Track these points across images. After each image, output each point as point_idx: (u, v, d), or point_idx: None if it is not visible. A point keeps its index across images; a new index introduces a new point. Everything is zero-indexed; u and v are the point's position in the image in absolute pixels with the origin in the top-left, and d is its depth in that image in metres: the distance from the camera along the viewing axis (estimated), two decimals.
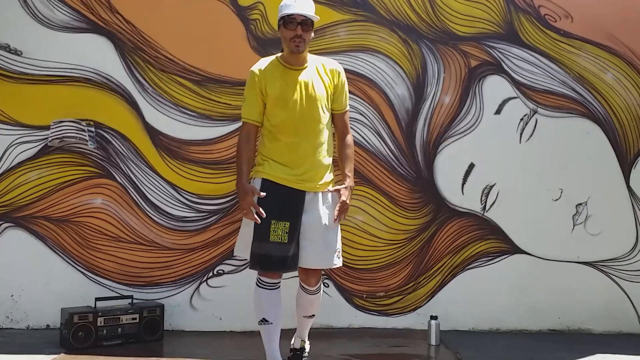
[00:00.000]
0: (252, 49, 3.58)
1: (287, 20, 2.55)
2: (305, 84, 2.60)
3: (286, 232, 2.50)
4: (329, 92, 2.66)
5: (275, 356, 2.59)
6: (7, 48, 3.55)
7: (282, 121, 2.60)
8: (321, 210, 2.60)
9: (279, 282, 2.62)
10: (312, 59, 2.70)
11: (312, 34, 2.62)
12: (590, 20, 3.69)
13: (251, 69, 2.69)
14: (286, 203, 2.56)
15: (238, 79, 3.57)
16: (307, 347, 2.92)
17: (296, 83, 2.59)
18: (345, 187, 2.67)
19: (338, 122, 2.76)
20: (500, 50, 3.67)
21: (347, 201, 2.65)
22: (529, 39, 3.68)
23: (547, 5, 3.68)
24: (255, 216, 2.53)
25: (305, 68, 2.65)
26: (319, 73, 2.65)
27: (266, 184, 2.59)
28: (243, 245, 2.64)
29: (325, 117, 2.65)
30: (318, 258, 2.59)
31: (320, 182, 2.64)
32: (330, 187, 2.69)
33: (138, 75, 3.57)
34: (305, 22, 2.55)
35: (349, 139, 2.78)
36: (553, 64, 3.68)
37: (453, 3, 3.66)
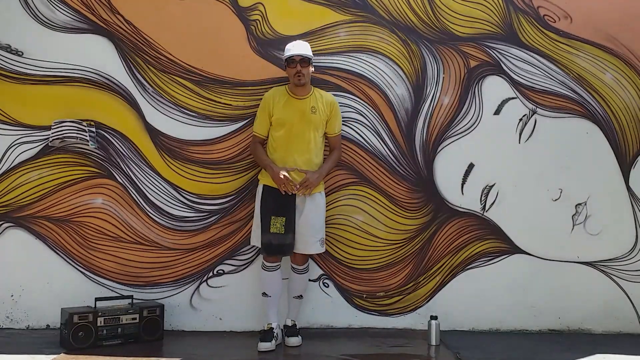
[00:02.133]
0: (252, 50, 3.60)
1: (289, 61, 3.27)
2: (302, 111, 3.30)
3: (283, 225, 3.22)
4: (322, 120, 3.33)
5: (271, 319, 3.30)
6: (8, 48, 3.57)
7: (279, 137, 3.30)
8: (308, 210, 3.27)
9: (279, 264, 3.32)
10: (314, 92, 3.37)
11: (312, 69, 3.32)
12: (589, 21, 3.70)
13: (265, 94, 3.39)
14: (282, 202, 3.23)
15: (238, 80, 3.59)
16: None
17: (295, 109, 3.30)
18: (314, 172, 3.28)
19: (331, 142, 3.45)
20: (500, 51, 3.68)
21: (311, 179, 3.23)
22: (528, 40, 3.69)
23: (547, 5, 3.70)
24: (289, 185, 3.20)
25: (306, 98, 3.32)
26: (317, 104, 3.33)
27: (266, 189, 3.30)
28: (255, 237, 3.35)
29: (315, 138, 3.31)
30: (305, 246, 3.29)
31: None
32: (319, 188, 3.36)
33: (139, 76, 3.58)
34: (303, 60, 3.26)
35: (336, 152, 3.47)
36: (552, 65, 3.69)
37: (452, 4, 3.68)
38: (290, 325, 3.34)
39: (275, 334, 3.25)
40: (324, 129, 3.37)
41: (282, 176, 3.17)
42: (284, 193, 3.20)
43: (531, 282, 3.65)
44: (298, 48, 3.27)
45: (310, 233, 3.27)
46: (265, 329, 3.26)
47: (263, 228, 3.24)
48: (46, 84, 3.56)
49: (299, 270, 3.36)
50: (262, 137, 3.39)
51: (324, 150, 3.41)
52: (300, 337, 3.32)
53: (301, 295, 3.41)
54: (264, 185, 3.31)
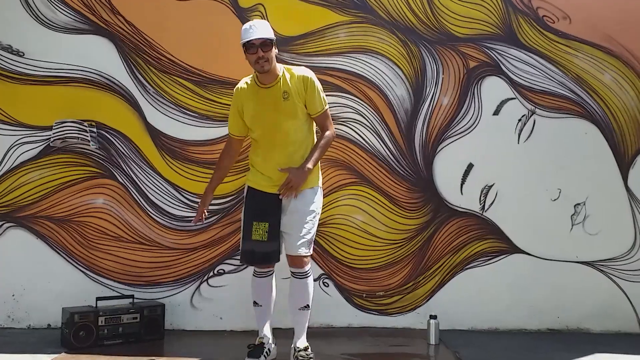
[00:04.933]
0: None
1: (248, 46, 2.81)
2: (275, 101, 2.88)
3: (266, 232, 2.86)
4: (298, 103, 2.89)
5: (263, 332, 2.96)
6: (9, 49, 3.58)
7: (258, 136, 2.96)
8: (293, 207, 2.91)
9: (270, 271, 3.00)
10: (283, 72, 2.91)
11: (275, 50, 2.86)
12: (588, 21, 3.71)
13: (235, 89, 3.02)
14: (265, 206, 2.91)
15: (239, 80, 3.58)
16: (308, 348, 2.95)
17: (267, 101, 2.89)
18: (297, 168, 2.89)
19: (317, 123, 3.01)
20: (499, 52, 3.70)
21: (295, 179, 2.86)
22: (527, 40, 3.70)
23: (545, 6, 3.71)
24: (196, 219, 3.12)
25: (276, 84, 2.89)
26: (287, 85, 2.88)
27: (250, 191, 3.00)
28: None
29: (296, 127, 2.91)
30: (294, 247, 2.89)
31: None
32: (310, 187, 2.96)
33: (139, 76, 3.60)
34: (264, 44, 2.79)
35: (327, 133, 2.99)
36: (551, 65, 3.70)
37: (452, 5, 3.69)
38: (302, 348, 2.87)
39: (266, 350, 2.92)
40: (305, 112, 2.92)
41: (196, 216, 3.05)
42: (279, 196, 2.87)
43: (530, 281, 3.66)
44: (257, 30, 2.77)
45: (294, 233, 2.87)
46: (256, 343, 2.93)
47: (245, 235, 2.90)
48: (47, 85, 3.58)
49: (297, 274, 2.92)
50: (236, 137, 3.05)
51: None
52: None
53: (307, 306, 2.92)
54: (248, 187, 3.00)
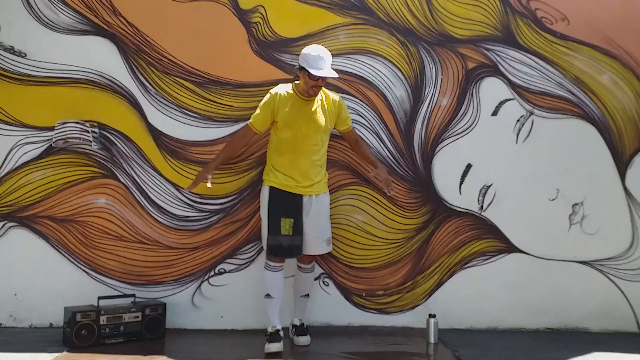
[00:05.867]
0: (253, 52, 3.63)
1: (314, 74, 3.10)
2: (310, 113, 3.23)
3: (291, 227, 3.19)
4: (329, 121, 3.29)
5: (275, 322, 3.20)
6: (11, 50, 3.60)
7: (286, 139, 3.24)
8: (314, 210, 3.27)
9: (282, 265, 3.28)
10: (320, 92, 3.26)
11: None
12: (586, 22, 3.73)
13: (271, 90, 3.28)
14: (289, 204, 3.22)
15: (239, 81, 3.63)
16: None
17: (303, 111, 3.23)
18: (382, 170, 3.39)
19: (349, 136, 3.46)
20: (497, 53, 3.72)
21: (389, 178, 3.39)
22: (525, 41, 3.72)
23: (544, 8, 3.73)
24: (194, 184, 3.30)
25: (313, 100, 3.24)
26: (323, 104, 3.27)
27: (273, 191, 3.25)
28: (265, 240, 3.28)
29: (322, 140, 3.29)
30: (312, 247, 3.28)
31: (314, 188, 3.28)
32: (326, 183, 3.41)
33: (141, 77, 3.62)
34: (325, 78, 3.16)
35: (361, 141, 3.53)
36: (549, 66, 3.72)
37: (451, 6, 3.71)
38: (298, 324, 3.32)
39: (282, 335, 3.17)
40: (331, 130, 3.34)
41: (204, 180, 3.20)
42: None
43: (529, 281, 3.68)
44: (328, 66, 3.12)
45: (317, 234, 3.25)
46: (272, 331, 3.15)
47: (272, 230, 3.18)
48: (49, 85, 3.60)
49: (306, 269, 3.37)
50: (257, 131, 3.28)
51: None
52: (309, 336, 3.29)
53: (308, 294, 3.40)
54: (270, 187, 3.26)
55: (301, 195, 3.24)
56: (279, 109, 3.22)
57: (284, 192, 3.22)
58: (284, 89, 3.28)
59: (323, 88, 3.26)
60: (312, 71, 3.08)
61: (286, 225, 3.16)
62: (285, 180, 3.23)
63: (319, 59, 3.10)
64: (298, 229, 3.20)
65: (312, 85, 3.14)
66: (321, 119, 3.25)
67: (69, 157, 3.58)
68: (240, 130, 3.40)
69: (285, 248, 3.18)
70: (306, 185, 3.25)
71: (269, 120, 3.25)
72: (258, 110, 3.27)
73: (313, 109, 3.24)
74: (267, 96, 3.27)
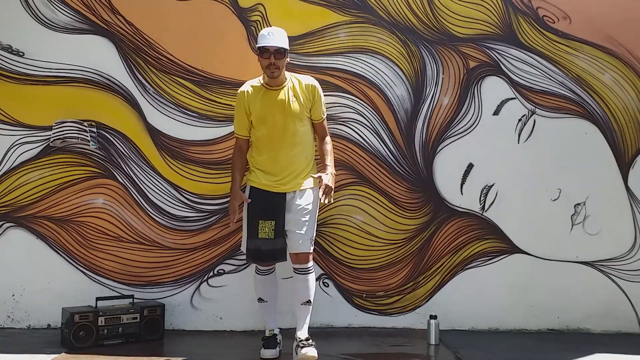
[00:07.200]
0: (252, 50, 3.61)
1: (262, 50, 2.97)
2: (282, 103, 3.05)
3: (272, 230, 2.99)
4: (305, 107, 3.09)
5: (271, 325, 3.12)
6: (9, 49, 3.58)
7: (262, 135, 3.08)
8: (297, 207, 3.04)
9: (273, 267, 3.15)
10: (290, 77, 3.11)
11: (287, 59, 3.04)
12: (588, 21, 3.71)
13: (239, 90, 3.15)
14: (270, 205, 3.03)
15: (239, 80, 3.59)
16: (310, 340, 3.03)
17: (274, 102, 3.05)
18: (326, 174, 3.08)
19: (317, 128, 3.21)
20: (499, 52, 3.70)
21: (330, 184, 3.05)
22: (527, 40, 3.70)
23: (546, 6, 3.71)
24: (233, 218, 3.12)
25: (283, 88, 3.07)
26: (295, 90, 3.08)
27: (253, 191, 3.10)
28: (243, 244, 3.13)
29: (301, 129, 3.09)
30: (297, 245, 3.02)
31: (298, 184, 3.07)
32: (314, 174, 3.11)
33: (139, 76, 3.60)
34: (278, 52, 2.97)
35: (327, 138, 3.24)
36: (551, 65, 3.70)
37: (452, 5, 3.69)
38: (304, 338, 2.96)
39: (278, 340, 3.10)
40: (308, 117, 3.12)
41: (232, 211, 3.08)
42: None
43: (530, 281, 3.66)
44: (274, 38, 2.95)
45: (299, 230, 3.00)
46: (268, 335, 3.09)
47: (250, 233, 3.01)
48: (47, 85, 3.58)
49: (299, 270, 3.04)
50: (244, 137, 3.16)
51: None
52: (314, 348, 2.94)
53: (309, 301, 3.03)
54: (251, 187, 3.10)
55: (284, 194, 3.04)
56: (251, 106, 3.07)
57: (264, 192, 3.04)
58: (250, 84, 3.14)
59: (295, 74, 3.15)
60: (258, 44, 2.97)
61: (265, 228, 2.97)
62: (265, 179, 3.06)
63: (264, 37, 2.98)
64: (281, 230, 3.00)
65: (266, 65, 2.97)
66: (294, 105, 3.04)
67: (66, 156, 3.57)
68: (234, 146, 3.26)
69: (264, 252, 3.00)
70: (289, 182, 3.05)
71: (247, 121, 3.10)
72: (235, 117, 3.17)
73: (284, 96, 3.04)
74: (237, 98, 3.15)
